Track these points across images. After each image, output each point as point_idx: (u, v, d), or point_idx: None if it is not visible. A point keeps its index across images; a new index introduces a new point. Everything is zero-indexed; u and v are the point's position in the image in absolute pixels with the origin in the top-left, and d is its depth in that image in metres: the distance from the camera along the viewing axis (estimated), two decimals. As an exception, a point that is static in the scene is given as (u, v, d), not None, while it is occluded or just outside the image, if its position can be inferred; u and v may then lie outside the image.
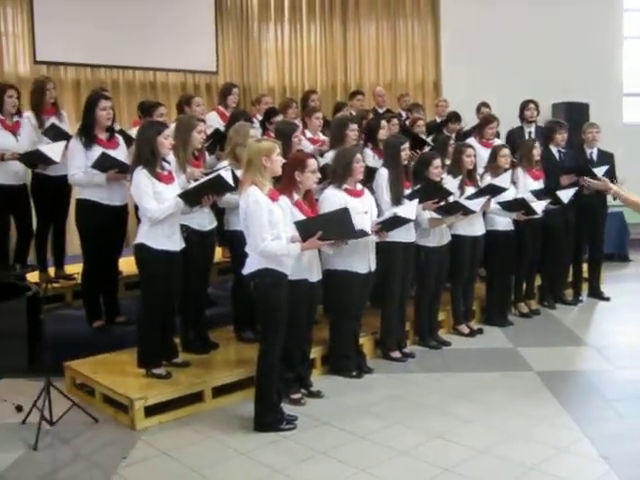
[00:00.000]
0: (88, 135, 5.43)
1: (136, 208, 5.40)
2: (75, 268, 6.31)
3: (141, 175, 4.70)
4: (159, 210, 4.69)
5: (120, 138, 5.72)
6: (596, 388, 5.25)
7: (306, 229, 4.46)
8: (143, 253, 4.82)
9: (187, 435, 4.52)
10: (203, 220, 5.26)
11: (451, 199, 5.94)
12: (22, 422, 4.64)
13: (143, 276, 4.96)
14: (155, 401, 4.69)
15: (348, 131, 6.00)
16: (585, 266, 7.95)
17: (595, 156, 7.54)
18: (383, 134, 6.27)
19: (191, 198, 4.79)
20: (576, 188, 6.99)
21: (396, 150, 5.70)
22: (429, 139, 7.26)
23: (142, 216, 4.85)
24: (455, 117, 8.16)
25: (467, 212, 5.99)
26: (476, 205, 6.04)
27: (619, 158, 7.66)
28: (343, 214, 4.58)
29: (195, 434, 4.53)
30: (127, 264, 6.10)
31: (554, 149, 7.40)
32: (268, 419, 4.53)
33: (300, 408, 4.87)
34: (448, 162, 6.46)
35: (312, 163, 4.69)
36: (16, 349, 3.88)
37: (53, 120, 6.29)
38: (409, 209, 5.41)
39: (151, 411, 4.68)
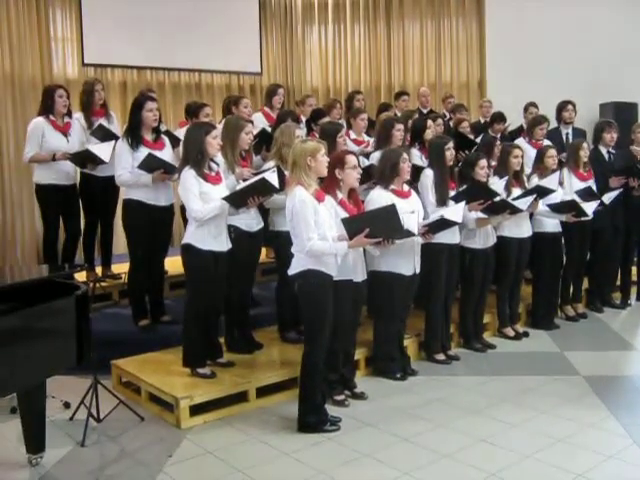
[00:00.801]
0: (135, 136, 5.50)
1: (182, 209, 5.46)
2: (122, 267, 6.40)
3: (188, 175, 4.74)
4: (204, 211, 4.72)
5: (166, 139, 5.79)
6: (646, 394, 5.15)
7: (353, 226, 4.44)
8: (189, 253, 4.86)
9: (231, 435, 4.54)
10: (251, 221, 5.29)
11: (497, 199, 5.87)
12: (70, 419, 4.72)
13: (189, 276, 5.00)
14: (200, 400, 4.73)
15: (394, 131, 5.99)
16: (634, 269, 7.79)
17: (645, 157, 7.38)
18: (429, 134, 6.23)
19: (236, 201, 4.82)
20: (620, 190, 6.86)
21: (440, 150, 5.66)
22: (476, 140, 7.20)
23: (188, 216, 4.89)
24: (500, 117, 8.07)
25: (514, 211, 5.91)
26: (523, 204, 5.95)
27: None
28: (390, 210, 4.53)
29: (239, 434, 4.55)
30: (173, 264, 6.19)
31: (603, 150, 7.27)
32: (312, 420, 4.53)
33: (344, 409, 4.86)
34: (494, 163, 6.38)
35: (351, 159, 4.66)
36: (65, 347, 3.95)
37: (102, 121, 6.39)
38: (456, 212, 5.35)
39: (196, 410, 4.71)
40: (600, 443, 4.31)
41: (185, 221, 5.11)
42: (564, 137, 7.72)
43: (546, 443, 4.32)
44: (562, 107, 7.80)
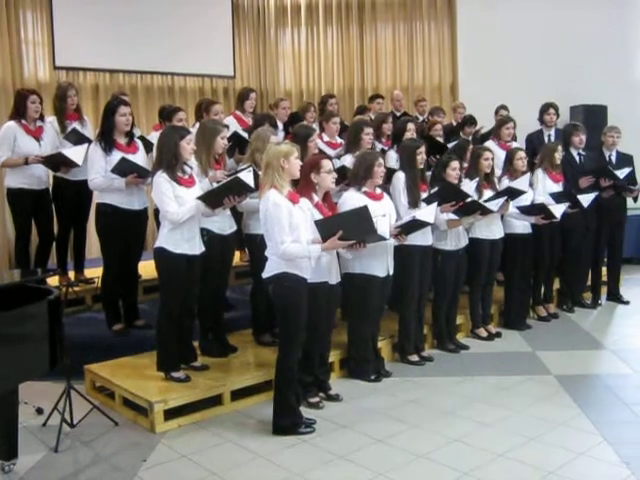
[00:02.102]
0: (107, 140, 5.48)
1: (156, 212, 5.45)
2: (95, 272, 6.36)
3: (161, 179, 4.74)
4: (180, 212, 4.72)
5: (139, 143, 5.78)
6: (615, 392, 5.21)
7: (326, 228, 4.46)
8: (162, 257, 4.85)
9: (206, 438, 4.54)
10: (223, 224, 5.29)
11: (469, 200, 5.93)
12: (43, 424, 4.70)
13: (162, 280, 4.99)
14: (174, 404, 4.72)
15: (363, 135, 6.05)
16: (604, 269, 7.92)
17: (614, 158, 7.51)
18: (409, 137, 6.29)
19: (212, 200, 4.82)
20: (597, 193, 6.97)
21: (412, 153, 5.71)
22: (450, 143, 7.26)
23: (162, 220, 4.88)
24: (470, 121, 8.16)
25: (485, 212, 5.98)
26: (494, 205, 6.02)
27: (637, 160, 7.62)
28: (363, 212, 4.57)
29: (214, 437, 4.55)
30: (146, 268, 6.16)
31: (574, 152, 7.38)
32: (287, 422, 4.55)
33: (318, 412, 4.88)
34: (466, 165, 6.45)
35: (327, 163, 4.74)
36: (38, 353, 3.92)
37: (75, 125, 6.35)
38: (428, 212, 5.41)
39: (170, 414, 4.70)
40: (571, 441, 4.38)
41: (159, 225, 5.10)
42: (546, 139, 7.81)
43: (518, 442, 4.37)
44: (544, 110, 7.89)
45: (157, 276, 5.05)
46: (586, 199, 6.80)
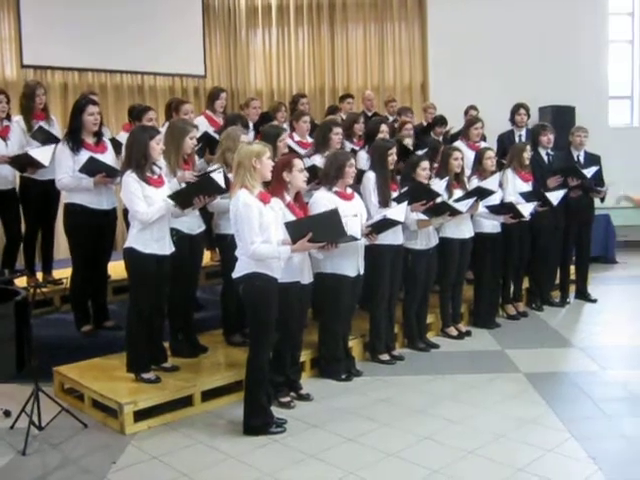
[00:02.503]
0: (75, 140, 5.43)
1: (125, 212, 5.41)
2: (63, 272, 6.29)
3: (130, 179, 4.71)
4: (149, 212, 4.69)
5: (108, 142, 5.73)
6: (583, 389, 5.28)
7: (296, 230, 4.47)
8: (132, 257, 4.82)
9: (177, 439, 4.52)
10: (192, 224, 5.27)
11: (439, 200, 5.97)
12: (10, 427, 4.63)
13: (132, 280, 4.96)
14: (144, 405, 4.69)
15: (332, 135, 6.07)
16: (572, 268, 8.01)
17: (582, 158, 7.60)
18: (381, 137, 6.31)
19: (182, 199, 4.80)
20: (565, 190, 7.05)
21: (383, 154, 5.73)
22: (421, 150, 7.29)
23: (131, 220, 4.85)
24: (441, 121, 8.21)
25: (454, 213, 6.03)
26: (463, 206, 6.07)
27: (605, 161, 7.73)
28: (333, 215, 4.59)
29: (185, 438, 4.53)
30: (116, 268, 6.11)
31: (543, 152, 7.46)
32: (257, 422, 4.54)
33: (289, 411, 4.88)
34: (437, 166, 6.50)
35: (298, 162, 4.76)
36: (4, 354, 3.88)
37: (42, 124, 6.27)
38: (398, 211, 5.44)
39: (140, 416, 4.67)
40: (539, 438, 4.43)
41: (128, 225, 5.07)
42: (517, 139, 7.90)
43: (488, 439, 4.41)
44: (515, 110, 7.98)
45: (127, 276, 5.02)
46: (555, 196, 6.88)
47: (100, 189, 5.50)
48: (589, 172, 7.18)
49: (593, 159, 7.59)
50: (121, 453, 4.32)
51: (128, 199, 4.74)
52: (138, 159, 4.73)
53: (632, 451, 4.26)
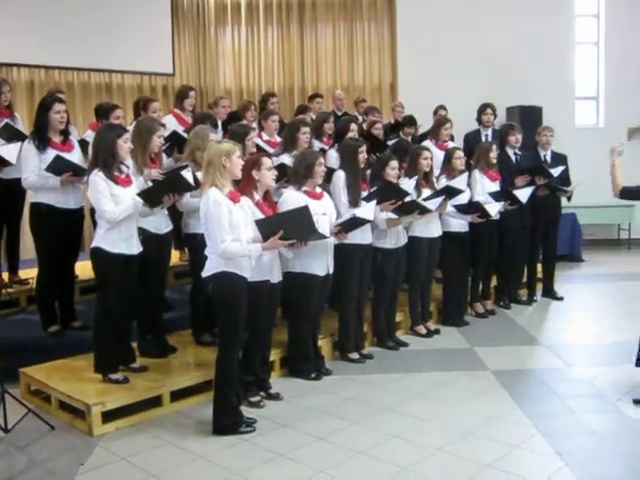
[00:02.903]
0: (42, 138, 5.37)
1: (92, 212, 5.35)
2: (30, 273, 6.22)
3: (97, 178, 4.67)
4: (117, 211, 4.66)
5: (75, 141, 5.67)
6: (549, 386, 5.34)
7: (267, 228, 4.47)
8: (99, 257, 4.78)
9: (146, 440, 4.49)
10: (160, 223, 5.24)
11: (408, 199, 6.00)
12: (-24, 430, 4.57)
13: (99, 280, 4.92)
14: (113, 406, 4.65)
15: (300, 134, 6.07)
16: (539, 267, 8.11)
17: (549, 158, 7.69)
18: (351, 137, 6.32)
19: (151, 197, 4.77)
20: (533, 187, 7.13)
21: (353, 153, 5.74)
22: (390, 141, 7.34)
23: (99, 219, 4.81)
24: (410, 121, 8.25)
25: (423, 211, 6.06)
26: (432, 205, 6.11)
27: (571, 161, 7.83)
28: (303, 212, 4.60)
29: (154, 439, 4.50)
30: (83, 268, 6.05)
31: (510, 151, 7.53)
32: (227, 422, 4.53)
33: (259, 411, 4.88)
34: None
35: (267, 161, 4.77)
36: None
37: (7, 122, 6.19)
38: (367, 210, 5.46)
39: (109, 417, 4.63)
40: (507, 434, 4.47)
41: (95, 224, 5.02)
42: (483, 139, 7.96)
43: (456, 436, 4.45)
44: (482, 110, 8.05)
45: (94, 276, 4.98)
46: (523, 194, 6.96)
47: (67, 188, 5.44)
48: (556, 171, 7.26)
49: (560, 159, 7.68)
50: (89, 455, 4.28)
51: (95, 198, 4.70)
52: (105, 158, 4.69)
53: (598, 447, 4.32)
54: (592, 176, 8.12)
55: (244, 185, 4.67)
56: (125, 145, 4.77)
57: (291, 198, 5.19)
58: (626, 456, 4.22)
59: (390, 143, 7.28)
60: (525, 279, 8.04)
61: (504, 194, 6.91)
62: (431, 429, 4.59)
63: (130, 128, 5.33)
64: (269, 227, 4.49)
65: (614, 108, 11.58)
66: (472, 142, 7.90)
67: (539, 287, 8.14)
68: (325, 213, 5.29)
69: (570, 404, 4.96)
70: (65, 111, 5.48)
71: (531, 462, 4.12)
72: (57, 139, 5.46)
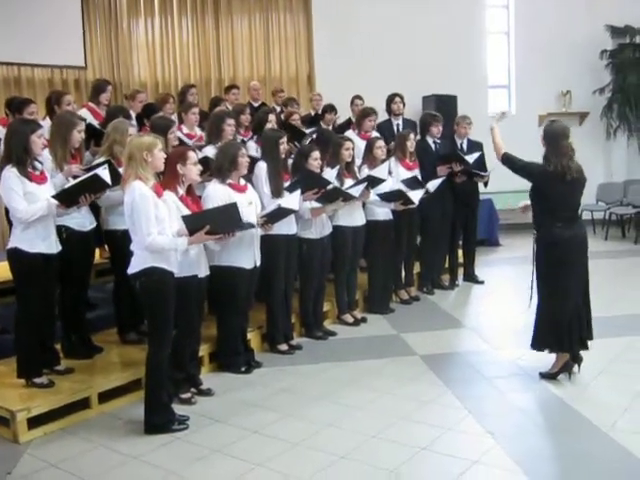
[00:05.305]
0: None
1: (6, 210, 5.15)
2: (-59, 277, 5.94)
3: (11, 174, 4.50)
4: (29, 211, 4.50)
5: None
6: (476, 368, 5.48)
7: (193, 223, 4.41)
8: (17, 258, 4.62)
9: (75, 444, 4.36)
10: (83, 220, 5.10)
11: (330, 187, 6.00)
12: None
13: (18, 282, 4.75)
14: (38, 412, 4.49)
15: (225, 126, 5.98)
16: (460, 252, 8.28)
17: (465, 145, 7.87)
18: (270, 127, 6.28)
19: (67, 198, 4.62)
20: (443, 178, 7.25)
21: (274, 143, 5.73)
22: (309, 129, 7.34)
23: (12, 218, 4.64)
24: (330, 108, 8.28)
25: (347, 198, 6.09)
26: (355, 192, 6.14)
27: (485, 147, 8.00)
28: (232, 208, 4.57)
29: (84, 442, 4.37)
30: (0, 270, 5.81)
31: (430, 140, 7.65)
32: (159, 421, 4.45)
33: (191, 407, 4.81)
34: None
35: (192, 155, 4.70)
36: None
37: None
38: (292, 200, 5.46)
39: (35, 422, 4.47)
40: (439, 417, 4.56)
41: (10, 224, 4.83)
42: (395, 128, 8.03)
43: (389, 422, 4.50)
44: (391, 100, 8.11)
45: (12, 278, 4.79)
46: (432, 184, 7.08)
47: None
48: (471, 158, 7.43)
49: (476, 145, 7.86)
50: (16, 463, 4.12)
51: (7, 196, 4.53)
52: (19, 154, 4.52)
53: (526, 423, 4.46)
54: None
55: (168, 179, 4.59)
56: (39, 141, 4.61)
57: (216, 192, 5.12)
58: (553, 431, 4.40)
59: (309, 131, 7.26)
60: (447, 264, 8.20)
61: (416, 181, 6.94)
62: (365, 416, 4.63)
63: (44, 124, 5.14)
64: (196, 223, 4.43)
65: (524, 96, 11.95)
66: (385, 132, 7.93)
67: (460, 272, 8.32)
68: (251, 202, 5.25)
69: (497, 384, 5.10)
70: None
71: (464, 442, 4.21)
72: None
